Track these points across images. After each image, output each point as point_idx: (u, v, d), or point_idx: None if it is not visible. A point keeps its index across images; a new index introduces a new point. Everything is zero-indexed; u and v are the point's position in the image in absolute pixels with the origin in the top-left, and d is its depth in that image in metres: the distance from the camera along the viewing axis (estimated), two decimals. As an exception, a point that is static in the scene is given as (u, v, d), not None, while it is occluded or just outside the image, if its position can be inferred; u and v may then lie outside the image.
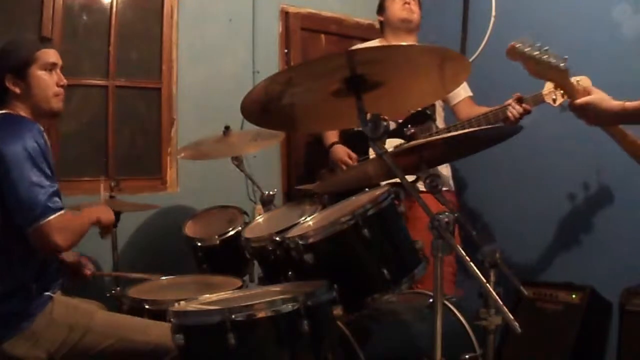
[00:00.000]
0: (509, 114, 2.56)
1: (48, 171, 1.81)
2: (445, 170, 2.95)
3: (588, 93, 1.83)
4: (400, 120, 2.83)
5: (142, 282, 2.33)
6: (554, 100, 2.53)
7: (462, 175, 3.36)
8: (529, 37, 1.81)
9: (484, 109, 2.71)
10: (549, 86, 2.54)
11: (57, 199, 1.79)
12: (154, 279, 2.38)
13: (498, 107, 2.62)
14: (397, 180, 1.52)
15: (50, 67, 1.95)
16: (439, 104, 2.98)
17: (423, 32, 3.10)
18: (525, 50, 1.77)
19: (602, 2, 2.82)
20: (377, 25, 3.19)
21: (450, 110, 3.01)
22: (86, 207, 2.07)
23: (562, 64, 1.80)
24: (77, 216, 1.90)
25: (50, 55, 1.96)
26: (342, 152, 2.92)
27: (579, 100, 1.81)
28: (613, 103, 1.78)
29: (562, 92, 2.46)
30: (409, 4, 2.94)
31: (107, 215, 2.06)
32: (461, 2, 3.48)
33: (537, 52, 1.77)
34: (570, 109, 1.86)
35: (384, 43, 2.96)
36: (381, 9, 3.06)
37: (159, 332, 1.83)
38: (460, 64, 1.61)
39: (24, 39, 2.01)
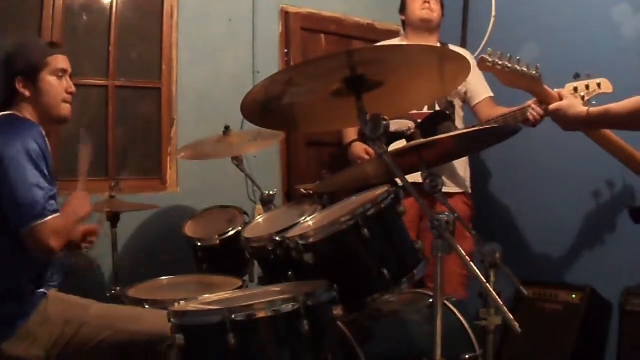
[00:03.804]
0: (530, 116, 2.52)
1: (47, 173, 1.81)
2: (462, 171, 2.94)
3: (561, 99, 1.84)
4: (420, 120, 2.83)
5: (142, 282, 2.33)
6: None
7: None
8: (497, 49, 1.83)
9: (503, 110, 2.68)
10: (568, 88, 2.50)
11: (53, 202, 1.80)
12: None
13: (517, 109, 2.58)
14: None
15: (60, 74, 1.96)
16: (458, 105, 2.97)
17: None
18: (496, 60, 1.79)
19: (602, 2, 2.82)
20: (377, 25, 3.20)
21: (471, 111, 2.99)
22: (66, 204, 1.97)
23: (534, 72, 1.81)
24: (67, 219, 1.87)
25: (61, 61, 1.97)
26: (360, 149, 2.92)
27: (551, 106, 1.83)
28: (579, 109, 1.80)
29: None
30: (428, 2, 2.91)
31: (85, 209, 1.97)
32: (461, 2, 3.48)
33: (507, 63, 1.80)
34: (545, 114, 1.88)
35: (405, 42, 2.96)
36: (403, 8, 3.04)
37: (154, 320, 1.84)
38: (460, 64, 1.61)
39: (35, 43, 2.02)
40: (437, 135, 2.77)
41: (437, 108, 2.87)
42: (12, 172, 1.75)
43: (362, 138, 2.96)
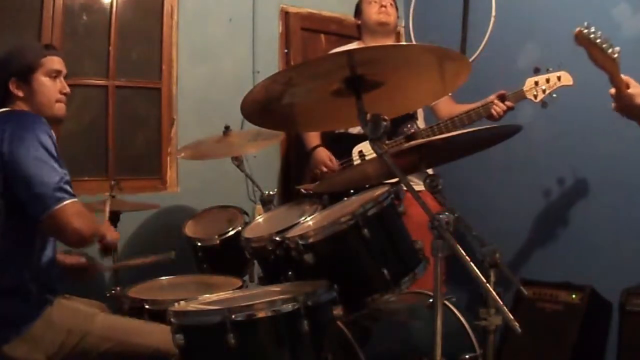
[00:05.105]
0: (493, 112, 2.57)
1: (60, 161, 1.82)
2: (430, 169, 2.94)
3: (627, 86, 1.85)
4: None
5: (142, 282, 2.33)
6: (535, 97, 2.54)
7: (462, 175, 3.35)
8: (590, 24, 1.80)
9: (464, 107, 2.71)
10: (529, 82, 2.55)
11: (69, 187, 1.80)
12: (162, 259, 2.28)
13: (479, 105, 2.62)
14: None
15: (54, 74, 1.96)
16: None
17: (423, 32, 3.11)
18: (591, 36, 1.78)
19: (602, 2, 2.82)
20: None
21: (430, 110, 3.01)
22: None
23: (615, 55, 1.81)
24: (92, 220, 1.88)
25: (55, 62, 1.97)
26: (323, 155, 2.91)
27: (630, 90, 1.83)
28: None
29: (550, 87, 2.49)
30: (385, 7, 2.95)
31: (113, 235, 2.05)
32: (461, 2, 3.48)
33: (599, 40, 1.79)
34: (614, 99, 1.88)
35: (362, 46, 2.96)
36: (358, 12, 3.07)
37: (159, 335, 1.82)
38: (460, 64, 1.61)
39: (30, 45, 2.05)
40: (399, 134, 2.79)
41: None
42: (25, 161, 1.75)
43: (326, 144, 2.96)
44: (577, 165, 2.93)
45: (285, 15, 3.50)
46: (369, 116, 1.49)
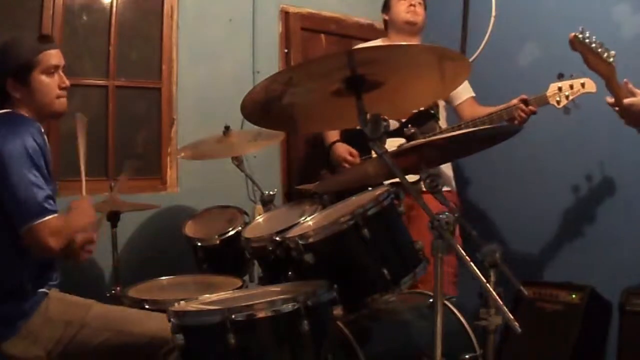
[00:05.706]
0: (516, 115, 2.56)
1: (46, 172, 1.81)
2: (447, 170, 2.94)
3: (632, 94, 1.85)
4: (404, 120, 2.83)
5: (142, 282, 2.33)
6: (558, 102, 2.52)
7: (462, 175, 3.36)
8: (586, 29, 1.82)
9: (487, 109, 2.71)
10: (553, 88, 2.53)
11: (52, 201, 1.79)
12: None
13: (502, 107, 2.62)
14: (397, 180, 1.52)
15: (52, 70, 1.92)
16: (442, 104, 2.98)
17: (423, 32, 3.10)
18: (586, 41, 1.79)
19: (602, 2, 2.82)
20: (377, 25, 3.19)
21: (453, 111, 3.01)
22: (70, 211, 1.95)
23: (611, 59, 1.81)
24: (67, 225, 1.86)
25: (52, 57, 1.92)
26: (343, 150, 2.90)
27: (626, 101, 1.83)
28: None
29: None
30: (414, 6, 2.93)
31: (87, 219, 1.93)
32: (461, 2, 3.48)
33: (594, 44, 1.80)
34: (612, 105, 1.87)
35: (387, 42, 2.96)
36: (386, 8, 3.04)
37: (155, 323, 1.83)
38: (460, 64, 1.61)
39: (24, 40, 1.95)
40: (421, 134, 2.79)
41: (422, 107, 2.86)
42: (11, 171, 1.74)
43: (344, 139, 2.96)
44: (578, 166, 2.93)
45: (285, 15, 3.50)
46: (368, 116, 1.49)
